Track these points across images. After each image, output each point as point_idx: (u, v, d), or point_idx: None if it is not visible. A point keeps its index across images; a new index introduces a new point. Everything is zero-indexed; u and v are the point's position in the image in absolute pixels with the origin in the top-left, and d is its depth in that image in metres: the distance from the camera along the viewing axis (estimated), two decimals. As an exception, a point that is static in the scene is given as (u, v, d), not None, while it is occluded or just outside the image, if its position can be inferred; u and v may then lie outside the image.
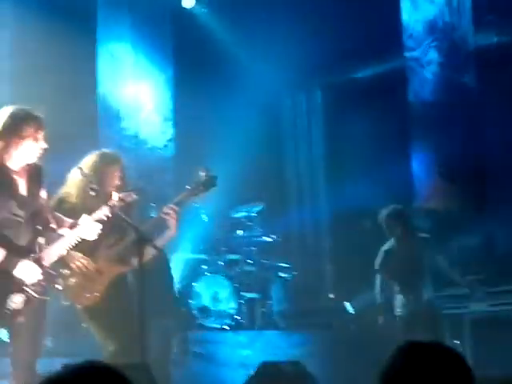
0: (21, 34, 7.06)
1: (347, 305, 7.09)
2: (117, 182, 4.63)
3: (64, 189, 4.64)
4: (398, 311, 5.92)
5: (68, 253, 4.44)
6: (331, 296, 7.92)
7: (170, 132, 8.30)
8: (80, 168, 4.45)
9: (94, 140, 7.08)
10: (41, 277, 4.09)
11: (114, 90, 8.06)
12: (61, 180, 4.65)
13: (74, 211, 4.49)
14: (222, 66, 8.00)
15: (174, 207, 4.68)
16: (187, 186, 4.81)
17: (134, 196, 4.66)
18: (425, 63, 7.26)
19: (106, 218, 4.28)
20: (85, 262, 4.60)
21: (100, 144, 6.51)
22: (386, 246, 6.05)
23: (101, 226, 4.24)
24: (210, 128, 7.84)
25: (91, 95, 7.84)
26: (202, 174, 4.71)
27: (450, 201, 7.02)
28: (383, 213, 6.08)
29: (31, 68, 6.93)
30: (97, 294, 4.68)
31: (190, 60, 8.10)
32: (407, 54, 7.37)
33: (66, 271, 4.58)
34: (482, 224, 6.55)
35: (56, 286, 4.42)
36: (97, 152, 4.78)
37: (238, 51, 8.11)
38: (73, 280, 4.61)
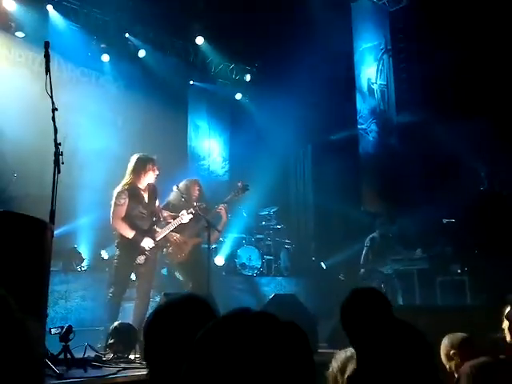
0: (146, 113, 9.26)
1: (322, 264, 9.39)
2: (197, 193, 6.25)
3: (169, 198, 6.25)
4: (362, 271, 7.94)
5: (169, 233, 5.88)
6: (313, 259, 9.90)
7: (226, 167, 11.05)
8: (177, 186, 6.10)
9: (185, 172, 8.85)
10: (153, 246, 5.46)
11: (197, 143, 10.78)
12: (166, 194, 6.26)
13: (175, 209, 6.02)
14: (255, 131, 10.16)
15: (224, 205, 6.21)
16: (232, 192, 6.41)
17: (204, 205, 6.05)
18: (369, 132, 9.88)
19: (192, 214, 5.76)
20: (178, 236, 6.03)
21: (189, 174, 8.10)
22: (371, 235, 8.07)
23: (191, 217, 5.77)
24: (248, 165, 9.71)
25: (184, 147, 10.39)
26: (239, 184, 6.35)
27: (381, 208, 9.25)
28: (378, 219, 8.28)
29: (151, 132, 9.11)
30: (183, 255, 6.09)
31: (238, 127, 10.78)
32: (359, 126, 9.99)
33: (170, 244, 6.09)
34: (398, 221, 8.51)
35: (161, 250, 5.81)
36: (187, 178, 6.55)
37: (265, 122, 10.28)
38: (171, 247, 6.11)
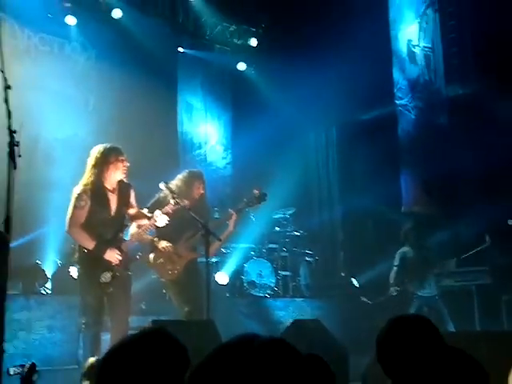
0: (124, 91, 9.41)
1: (353, 280, 9.39)
2: (200, 192, 6.25)
3: (154, 199, 6.11)
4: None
5: (159, 241, 5.96)
6: (342, 274, 10.04)
7: (228, 158, 11.15)
8: (166, 184, 5.79)
9: (175, 165, 9.21)
10: (121, 259, 5.37)
11: (190, 128, 10.86)
12: (151, 195, 6.14)
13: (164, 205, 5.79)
14: (265, 111, 10.13)
15: (234, 213, 6.23)
16: (244, 199, 6.40)
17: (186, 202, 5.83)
18: (410, 108, 9.83)
19: (170, 211, 5.61)
20: (168, 245, 6.00)
21: (180, 168, 8.12)
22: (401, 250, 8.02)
23: (166, 219, 5.58)
24: (256, 155, 9.90)
25: (174, 133, 10.46)
26: (256, 191, 6.30)
27: (427, 207, 9.46)
28: (403, 229, 8.14)
29: (131, 114, 9.27)
30: (176, 272, 6.05)
31: (243, 107, 10.89)
32: (397, 102, 10.01)
33: (156, 254, 6.04)
34: (451, 224, 8.72)
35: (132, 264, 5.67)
36: (186, 170, 6.49)
37: (277, 100, 10.41)
38: (161, 260, 6.03)
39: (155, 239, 6.06)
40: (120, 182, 5.57)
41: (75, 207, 5.38)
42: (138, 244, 6.27)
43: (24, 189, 7.05)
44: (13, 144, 3.51)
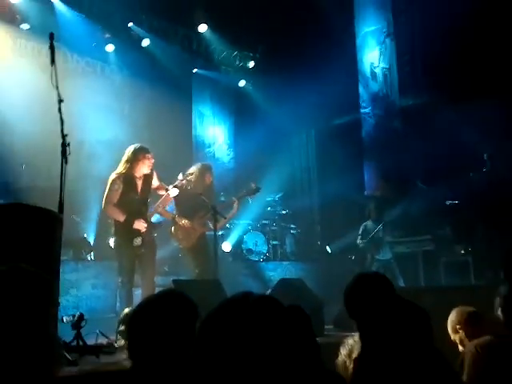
0: (151, 102, 9.40)
1: (327, 248, 9.49)
2: (209, 181, 6.25)
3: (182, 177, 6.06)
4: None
5: (180, 218, 6.03)
6: (319, 243, 10.15)
7: (231, 154, 11.20)
8: (184, 174, 6.02)
9: (191, 159, 9.27)
10: (146, 226, 5.43)
11: (201, 131, 10.90)
12: (174, 179, 6.01)
13: (179, 201, 6.06)
14: (259, 118, 10.29)
15: (236, 200, 6.35)
16: (244, 190, 6.52)
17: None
18: (372, 115, 9.93)
19: (179, 184, 5.80)
20: (188, 222, 6.11)
21: (194, 162, 7.60)
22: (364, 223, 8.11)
23: (177, 191, 5.74)
24: (253, 152, 9.91)
25: (189, 135, 10.56)
26: (253, 185, 6.48)
27: (385, 191, 9.42)
28: (368, 207, 8.28)
29: (157, 120, 9.33)
30: (191, 241, 6.12)
31: (243, 114, 10.96)
32: (362, 110, 10.07)
33: (176, 227, 6.10)
34: (403, 204, 8.60)
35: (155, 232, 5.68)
36: (200, 163, 6.61)
37: (269, 109, 10.46)
38: (180, 232, 6.10)
39: (176, 216, 6.05)
40: (146, 174, 5.56)
41: (110, 190, 5.37)
42: (160, 217, 6.33)
43: (73, 180, 7.11)
44: (64, 145, 3.55)
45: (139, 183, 5.50)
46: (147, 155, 5.47)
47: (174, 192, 5.76)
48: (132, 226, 5.33)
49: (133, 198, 5.42)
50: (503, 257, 1.79)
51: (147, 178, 5.58)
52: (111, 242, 6.51)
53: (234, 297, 1.28)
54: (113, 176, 5.43)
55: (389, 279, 2.43)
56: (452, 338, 3.36)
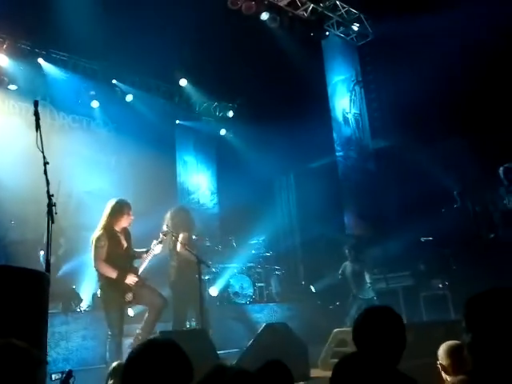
0: (136, 154, 9.26)
1: (311, 287, 9.32)
2: (187, 222, 6.34)
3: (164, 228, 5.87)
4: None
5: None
6: (303, 282, 10.06)
7: (215, 200, 11.15)
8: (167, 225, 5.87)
9: (175, 205, 8.02)
10: (137, 280, 5.38)
11: (185, 178, 10.87)
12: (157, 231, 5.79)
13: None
14: (240, 164, 10.40)
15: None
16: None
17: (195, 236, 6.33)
18: (346, 158, 10.03)
19: (160, 243, 5.55)
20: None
21: None
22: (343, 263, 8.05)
23: (161, 246, 5.56)
24: (236, 197, 9.73)
25: (174, 183, 10.49)
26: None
27: (363, 230, 9.39)
28: (345, 248, 8.10)
29: (142, 170, 9.22)
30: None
31: (224, 161, 11.01)
32: (337, 154, 10.12)
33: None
34: (381, 242, 8.58)
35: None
36: (178, 206, 6.76)
37: (249, 155, 10.51)
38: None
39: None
40: (124, 228, 5.52)
41: (96, 247, 5.30)
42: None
43: (61, 231, 7.07)
44: (51, 205, 3.51)
45: (121, 237, 5.44)
46: (129, 212, 5.43)
47: (158, 249, 5.61)
48: (123, 281, 5.28)
49: (119, 252, 5.36)
50: (464, 306, 1.76)
51: (127, 232, 5.53)
52: (99, 292, 6.47)
53: (210, 373, 1.27)
54: (96, 234, 5.36)
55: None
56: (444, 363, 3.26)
